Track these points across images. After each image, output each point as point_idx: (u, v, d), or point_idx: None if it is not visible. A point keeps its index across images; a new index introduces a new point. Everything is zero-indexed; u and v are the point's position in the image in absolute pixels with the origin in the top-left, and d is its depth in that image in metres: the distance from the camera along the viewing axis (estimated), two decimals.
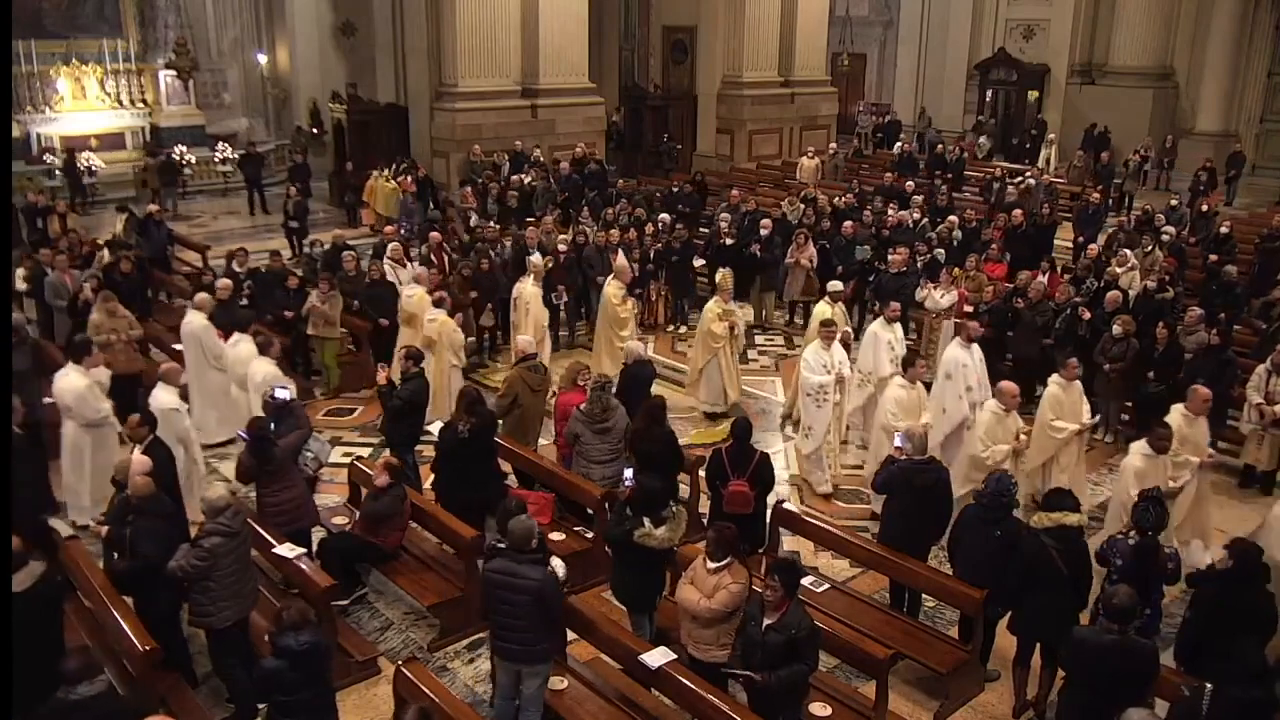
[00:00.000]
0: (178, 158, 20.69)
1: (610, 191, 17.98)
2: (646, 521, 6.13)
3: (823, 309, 10.43)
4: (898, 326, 10.07)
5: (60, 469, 8.31)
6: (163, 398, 8.01)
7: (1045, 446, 8.59)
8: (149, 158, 20.49)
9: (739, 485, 7.14)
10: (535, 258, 12.11)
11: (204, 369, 9.68)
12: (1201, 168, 20.68)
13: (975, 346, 9.32)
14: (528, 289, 11.38)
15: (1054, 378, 8.85)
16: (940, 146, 22.21)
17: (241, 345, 9.41)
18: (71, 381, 8.12)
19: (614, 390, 8.28)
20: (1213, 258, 13.62)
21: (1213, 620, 5.90)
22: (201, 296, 10.14)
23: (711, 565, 5.71)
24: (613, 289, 11.58)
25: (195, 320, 9.76)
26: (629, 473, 6.55)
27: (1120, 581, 5.83)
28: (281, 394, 7.64)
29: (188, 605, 6.11)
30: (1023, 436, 8.19)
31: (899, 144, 23.28)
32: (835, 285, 11.10)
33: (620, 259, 12.17)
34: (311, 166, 20.19)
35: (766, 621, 5.35)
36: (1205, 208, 16.30)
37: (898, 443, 7.06)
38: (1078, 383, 8.78)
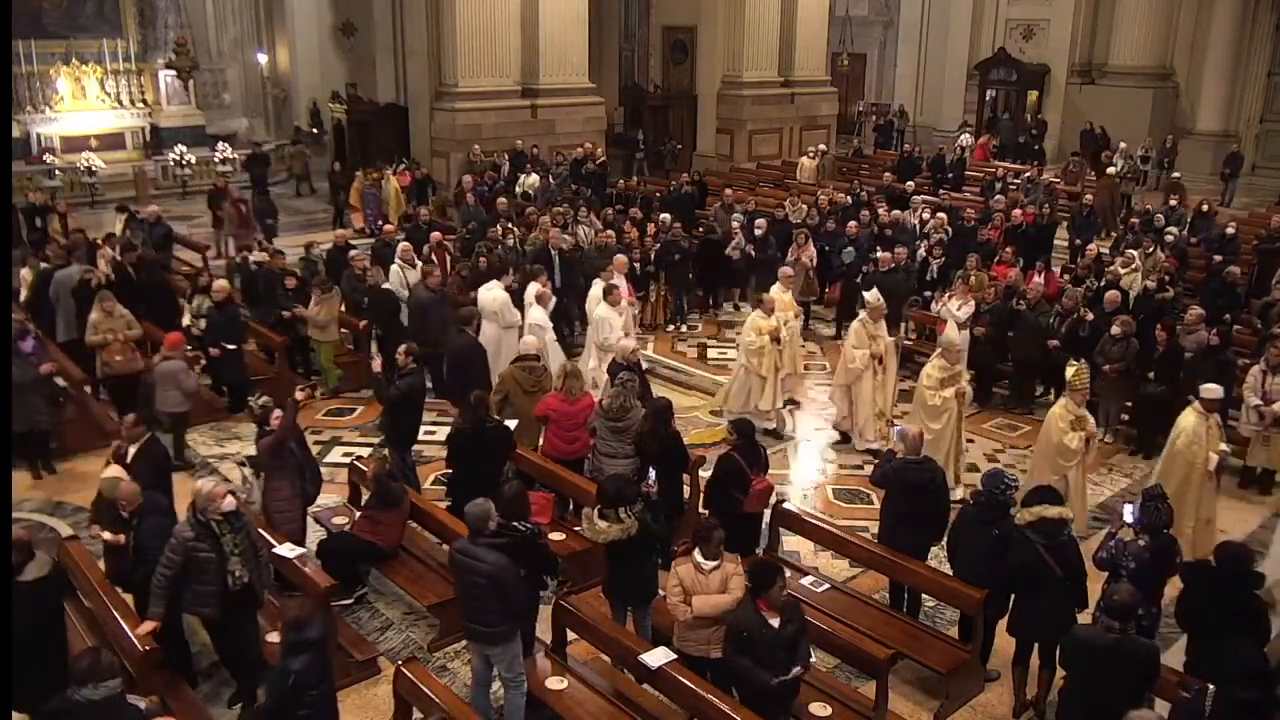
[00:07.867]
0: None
1: (609, 191, 17.96)
2: (596, 511, 6.23)
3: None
4: (1216, 416, 8.08)
5: None
6: (535, 314, 10.50)
7: None
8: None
9: (764, 482, 7.19)
10: (618, 258, 11.90)
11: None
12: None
13: None
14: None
15: None
16: (944, 147, 22.16)
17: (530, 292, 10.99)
18: (495, 293, 10.76)
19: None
20: (1217, 258, 13.61)
21: (1201, 618, 5.88)
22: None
23: (708, 565, 5.77)
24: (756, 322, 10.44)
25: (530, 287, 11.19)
26: (652, 474, 6.62)
27: (1132, 583, 5.79)
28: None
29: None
30: None
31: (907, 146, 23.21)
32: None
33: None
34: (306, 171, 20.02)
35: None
36: (1205, 207, 16.28)
37: (894, 437, 7.08)
38: None
